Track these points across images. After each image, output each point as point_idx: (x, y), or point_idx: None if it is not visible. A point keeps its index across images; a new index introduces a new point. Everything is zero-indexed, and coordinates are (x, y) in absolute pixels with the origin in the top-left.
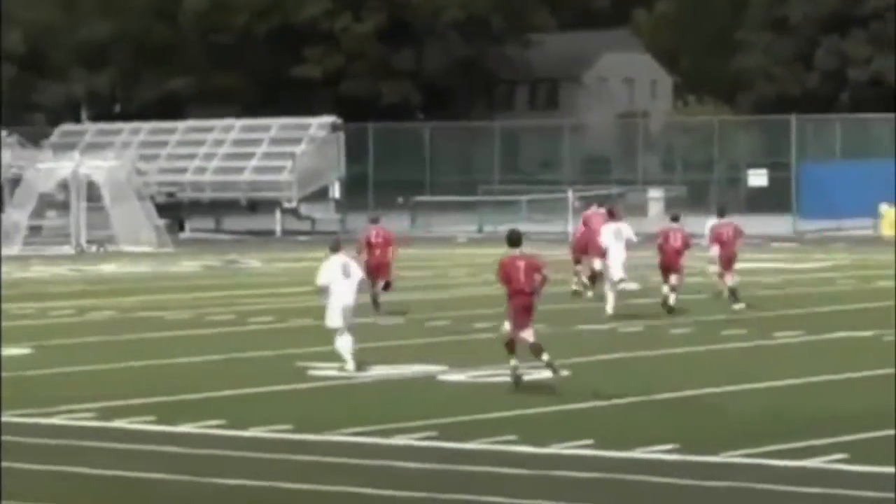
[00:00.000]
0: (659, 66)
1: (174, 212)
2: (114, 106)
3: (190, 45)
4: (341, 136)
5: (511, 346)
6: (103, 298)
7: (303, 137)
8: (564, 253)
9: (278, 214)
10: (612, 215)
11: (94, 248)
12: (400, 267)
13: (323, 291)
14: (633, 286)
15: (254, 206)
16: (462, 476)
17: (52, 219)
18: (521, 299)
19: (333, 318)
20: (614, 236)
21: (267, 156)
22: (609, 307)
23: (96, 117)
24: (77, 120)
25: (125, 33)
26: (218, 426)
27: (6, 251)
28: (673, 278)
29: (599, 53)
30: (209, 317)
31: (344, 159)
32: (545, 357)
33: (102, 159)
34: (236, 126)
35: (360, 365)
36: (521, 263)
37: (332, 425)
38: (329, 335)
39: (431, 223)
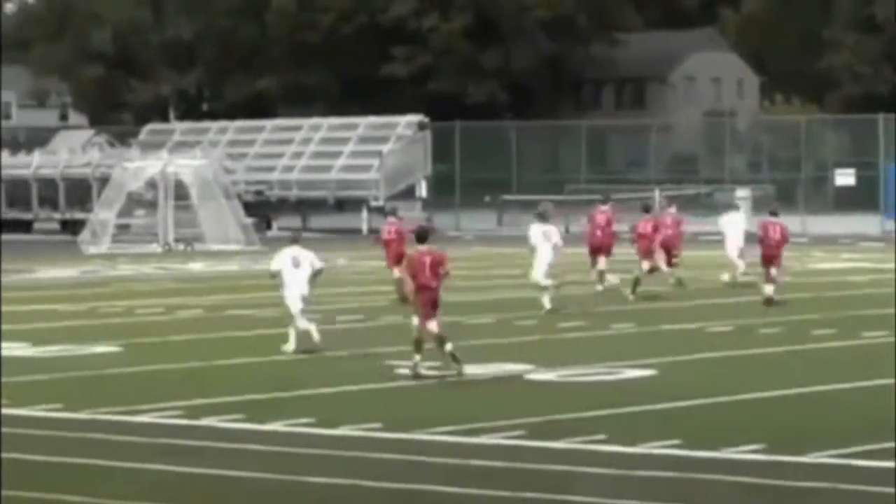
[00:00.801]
0: (746, 66)
1: (261, 210)
2: (201, 105)
3: (277, 44)
4: (428, 134)
5: (419, 344)
6: (191, 297)
7: (390, 136)
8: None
9: (365, 213)
10: (541, 218)
11: (181, 247)
12: (486, 266)
13: (274, 277)
14: (551, 282)
15: (341, 205)
16: (550, 475)
17: (140, 217)
18: (427, 293)
19: (291, 305)
20: (543, 237)
21: (354, 154)
22: (546, 302)
23: (184, 116)
24: (165, 119)
25: (213, 32)
26: (307, 424)
27: (94, 249)
28: (773, 271)
29: (686, 53)
30: None
31: (431, 158)
32: (448, 347)
33: (190, 158)
34: (324, 125)
35: (449, 364)
36: (428, 259)
37: (420, 424)
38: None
39: (518, 222)
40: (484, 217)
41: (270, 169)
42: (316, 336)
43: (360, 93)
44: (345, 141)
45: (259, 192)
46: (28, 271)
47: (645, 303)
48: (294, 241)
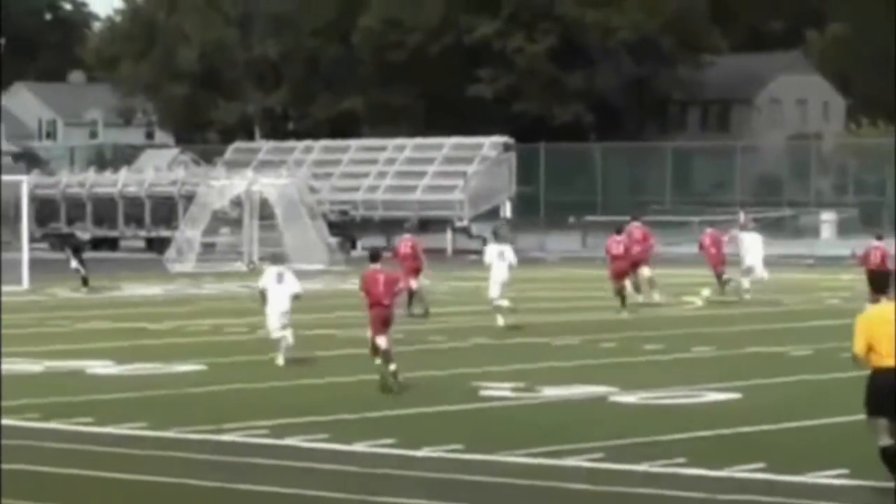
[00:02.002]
0: (831, 88)
1: (346, 230)
2: (287, 124)
3: (363, 63)
4: (513, 155)
5: (375, 349)
6: None
7: (475, 157)
8: (734, 275)
9: (449, 233)
10: (497, 237)
11: (266, 266)
12: (571, 287)
13: (261, 295)
14: (505, 303)
15: (425, 225)
16: (631, 498)
17: (225, 236)
18: (380, 310)
19: (271, 320)
20: (498, 257)
21: (439, 175)
22: (500, 321)
23: (269, 135)
24: (250, 138)
25: (299, 52)
26: (390, 445)
27: (179, 268)
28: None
29: (772, 75)
30: None
31: (515, 179)
32: (392, 367)
33: (275, 177)
34: (408, 145)
35: (532, 385)
36: (381, 277)
37: (502, 446)
38: (501, 355)
39: (602, 243)
40: (568, 238)
41: (355, 189)
42: (290, 340)
43: (445, 113)
44: (429, 161)
45: (344, 212)
46: (114, 289)
47: (727, 326)
48: (277, 260)
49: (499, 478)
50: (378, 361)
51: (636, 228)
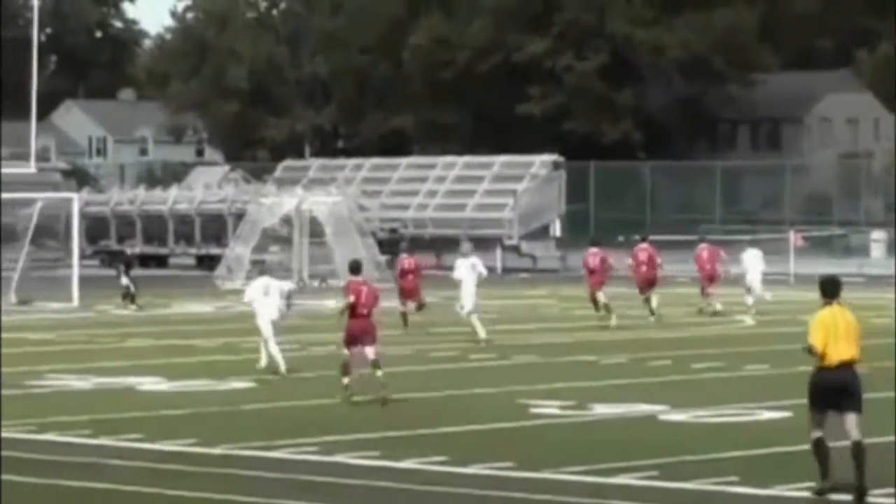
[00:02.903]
0: (882, 106)
1: (395, 248)
2: (337, 142)
3: (413, 82)
4: (563, 174)
5: (346, 368)
6: (325, 333)
7: (524, 175)
8: (784, 293)
9: (499, 251)
10: (465, 256)
11: (315, 283)
12: (618, 306)
13: (251, 305)
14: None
15: (474, 243)
16: None
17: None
18: (361, 321)
19: (262, 328)
20: (469, 269)
21: (488, 193)
22: (482, 333)
23: (319, 153)
24: (300, 155)
25: (349, 70)
26: (441, 462)
27: (229, 285)
28: None
29: (822, 93)
30: (431, 353)
31: (565, 197)
32: (379, 373)
33: (325, 195)
34: (458, 163)
35: (583, 403)
36: (364, 289)
37: (553, 463)
38: (550, 373)
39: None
40: (617, 257)
41: (405, 206)
42: (282, 367)
43: (494, 131)
44: (479, 179)
45: (393, 230)
46: (164, 306)
47: (779, 344)
48: (262, 272)
49: (549, 496)
50: (346, 381)
51: (641, 251)
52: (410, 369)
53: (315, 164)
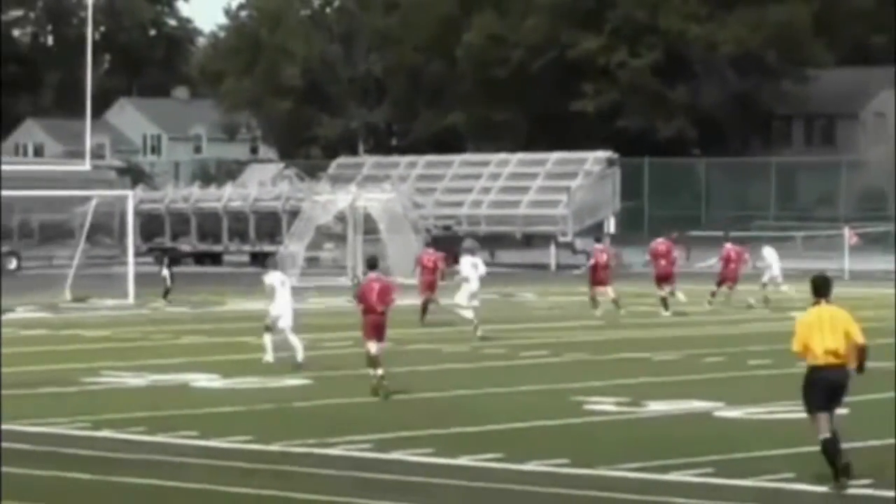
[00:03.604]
0: None
1: (449, 245)
2: (390, 139)
3: (466, 79)
4: (617, 170)
5: (372, 361)
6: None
7: (578, 172)
8: (839, 290)
9: (553, 248)
10: (470, 252)
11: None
12: (673, 302)
13: (269, 292)
14: (470, 314)
15: (529, 240)
16: None
17: (329, 250)
18: (373, 317)
19: (281, 321)
20: (472, 268)
21: (542, 190)
22: (478, 331)
23: (373, 150)
24: (354, 153)
25: (402, 68)
26: (496, 459)
27: None
28: None
29: (877, 89)
30: (485, 350)
31: (619, 194)
32: (380, 371)
33: (379, 192)
34: (512, 160)
35: (637, 400)
36: (377, 286)
37: (607, 460)
38: (604, 370)
39: (706, 258)
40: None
41: (459, 204)
42: (300, 356)
43: (548, 128)
44: (533, 176)
45: (447, 227)
46: (218, 304)
47: None
48: (274, 266)
49: (605, 492)
50: (374, 371)
51: (660, 244)
52: (463, 367)
53: (369, 162)
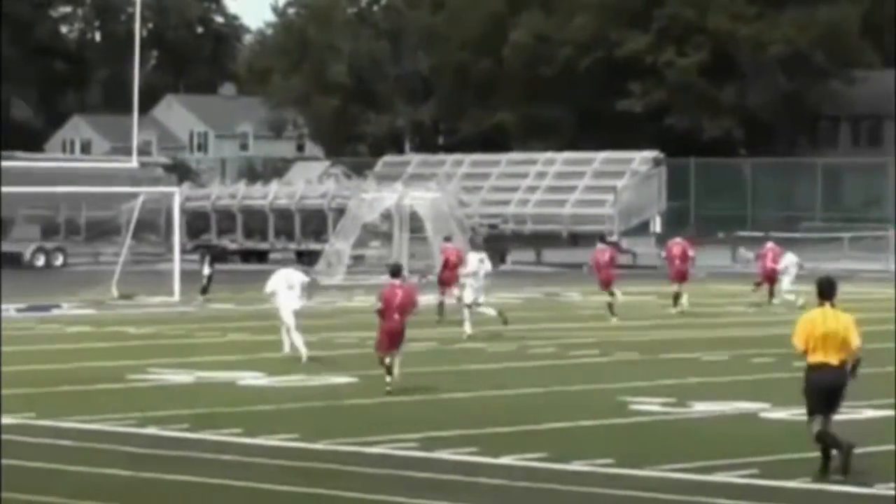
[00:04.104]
0: None
1: (496, 243)
2: (437, 137)
3: (513, 78)
4: (663, 170)
5: (385, 367)
6: (424, 329)
7: (625, 171)
8: (886, 291)
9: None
10: (475, 247)
11: (415, 279)
12: (720, 302)
13: (271, 296)
14: (492, 311)
15: (575, 239)
16: None
17: (374, 249)
18: (392, 323)
19: (285, 318)
20: (479, 263)
21: (589, 189)
22: (468, 329)
23: (419, 149)
24: (400, 151)
25: (449, 66)
26: (540, 459)
27: (329, 281)
28: None
29: None
30: (531, 349)
31: (665, 194)
32: (388, 378)
33: (425, 190)
34: (558, 159)
35: (683, 400)
36: (399, 292)
37: (652, 461)
38: (651, 370)
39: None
40: (717, 253)
41: (505, 202)
42: (304, 355)
43: (594, 127)
44: (579, 175)
45: (493, 226)
46: (264, 301)
47: (882, 342)
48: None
49: (650, 493)
50: (388, 379)
51: (676, 245)
52: (510, 365)
53: (415, 160)
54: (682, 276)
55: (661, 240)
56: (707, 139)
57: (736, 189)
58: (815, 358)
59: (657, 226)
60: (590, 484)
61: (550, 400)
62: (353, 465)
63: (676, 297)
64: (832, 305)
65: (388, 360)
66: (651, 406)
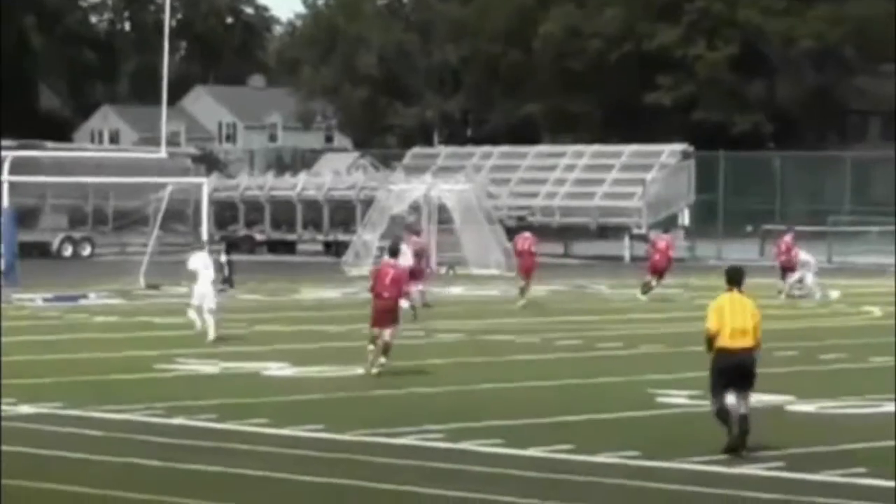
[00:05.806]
0: None
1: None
2: (466, 129)
3: (543, 70)
4: (692, 163)
5: (374, 337)
6: (451, 320)
7: (654, 164)
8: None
9: (627, 240)
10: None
11: (443, 270)
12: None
13: (192, 273)
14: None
15: (603, 232)
16: None
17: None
18: (383, 302)
19: (198, 298)
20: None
21: (617, 182)
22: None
23: (448, 140)
24: (429, 143)
25: (479, 58)
26: (567, 451)
27: (357, 271)
28: None
29: None
30: (558, 341)
31: (694, 187)
32: (382, 360)
33: (454, 182)
34: (587, 152)
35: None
36: (390, 272)
37: (679, 453)
38: (677, 362)
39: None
40: (746, 247)
41: (533, 195)
42: (212, 335)
43: (623, 120)
44: (608, 168)
45: (521, 218)
46: (291, 292)
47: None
48: (200, 248)
49: (676, 485)
50: (371, 348)
51: (661, 240)
52: (537, 357)
53: (444, 152)
54: (658, 270)
55: (690, 233)
56: (736, 133)
57: (765, 183)
58: (731, 339)
59: (685, 219)
60: (615, 476)
61: (577, 392)
62: (378, 455)
63: (647, 285)
64: (740, 292)
65: (387, 338)
66: (678, 399)
